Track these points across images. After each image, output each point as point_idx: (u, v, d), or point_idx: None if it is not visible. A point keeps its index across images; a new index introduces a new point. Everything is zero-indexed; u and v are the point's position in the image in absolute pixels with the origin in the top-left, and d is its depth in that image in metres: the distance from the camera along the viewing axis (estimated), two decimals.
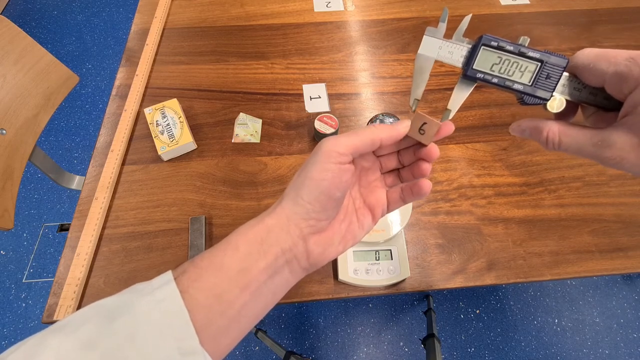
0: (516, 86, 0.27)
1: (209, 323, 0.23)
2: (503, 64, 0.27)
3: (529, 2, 0.87)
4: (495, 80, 0.27)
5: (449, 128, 0.29)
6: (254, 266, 0.25)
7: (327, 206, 0.26)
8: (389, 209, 0.31)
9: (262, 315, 0.26)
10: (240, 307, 0.24)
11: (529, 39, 0.26)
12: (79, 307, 0.47)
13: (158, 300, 0.23)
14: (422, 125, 0.28)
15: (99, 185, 0.56)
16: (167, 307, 0.23)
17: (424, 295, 1.15)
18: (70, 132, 1.51)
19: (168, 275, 0.24)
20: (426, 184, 0.29)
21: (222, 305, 0.24)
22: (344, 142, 0.26)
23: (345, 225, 0.29)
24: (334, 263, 0.50)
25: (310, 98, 0.69)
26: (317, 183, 0.25)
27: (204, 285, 0.24)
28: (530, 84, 0.26)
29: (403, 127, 0.28)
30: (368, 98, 0.69)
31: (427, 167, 0.29)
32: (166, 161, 0.60)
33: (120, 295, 0.24)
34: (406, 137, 0.29)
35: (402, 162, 0.31)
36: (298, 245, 0.26)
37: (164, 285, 0.23)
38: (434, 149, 0.29)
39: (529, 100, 0.27)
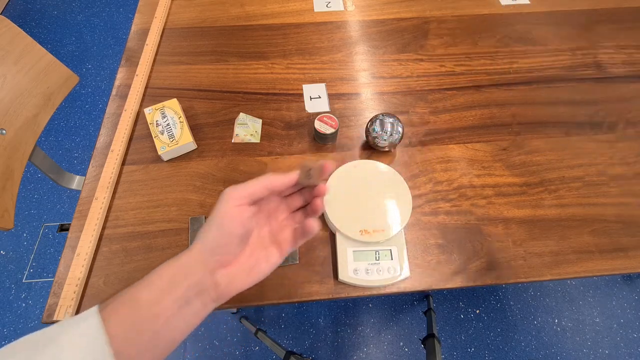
0: None
1: (125, 351, 0.26)
2: None
3: (529, 2, 0.87)
4: None
5: (329, 166, 0.34)
6: (164, 299, 0.29)
7: (230, 243, 0.31)
8: (295, 245, 0.36)
9: (175, 343, 0.30)
10: (151, 336, 0.28)
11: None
12: (79, 307, 0.47)
13: (82, 332, 0.26)
14: (309, 171, 0.34)
15: (99, 185, 0.56)
16: (89, 338, 0.26)
17: (424, 295, 1.15)
18: (70, 132, 1.51)
19: (93, 308, 0.27)
20: (311, 225, 0.34)
21: (136, 334, 0.27)
22: (241, 188, 0.32)
23: (252, 260, 0.33)
24: (334, 263, 0.50)
25: (310, 98, 0.69)
26: (219, 223, 0.31)
27: (121, 317, 0.27)
28: None
29: (292, 175, 0.34)
30: (368, 98, 0.69)
31: (319, 203, 0.35)
32: (166, 161, 0.60)
33: (48, 328, 0.27)
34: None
35: (307, 200, 0.38)
36: (206, 278, 0.30)
37: (88, 317, 0.27)
38: (322, 187, 0.35)
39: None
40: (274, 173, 0.34)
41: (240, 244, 0.32)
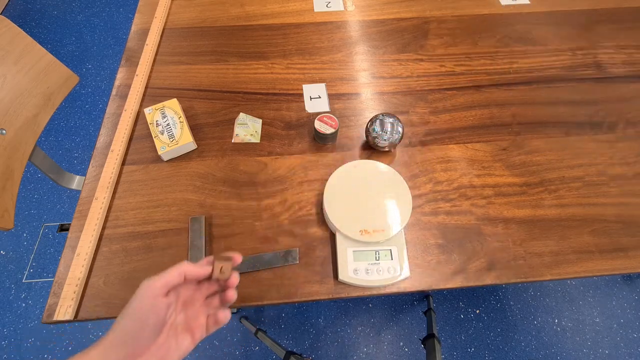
0: None
1: None
2: None
3: (529, 2, 0.88)
4: None
5: (238, 259, 0.39)
6: None
7: (142, 334, 0.32)
8: (208, 332, 0.38)
9: None
10: None
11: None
12: (79, 307, 0.47)
13: None
14: (220, 268, 0.37)
15: (99, 185, 0.56)
16: None
17: (424, 295, 1.15)
18: (70, 132, 1.51)
19: None
20: (222, 317, 0.37)
21: None
22: (158, 278, 0.33)
23: (164, 349, 0.34)
24: (334, 263, 0.50)
25: (310, 98, 0.69)
26: (134, 314, 0.32)
27: None
28: None
29: (206, 269, 0.37)
30: (368, 98, 0.69)
31: (230, 295, 0.38)
32: (166, 161, 0.60)
33: None
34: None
35: (221, 286, 0.40)
36: None
37: None
38: (232, 279, 0.38)
39: None
40: (189, 262, 0.36)
41: (153, 335, 0.33)
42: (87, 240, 0.51)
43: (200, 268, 0.36)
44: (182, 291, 0.37)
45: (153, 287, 0.33)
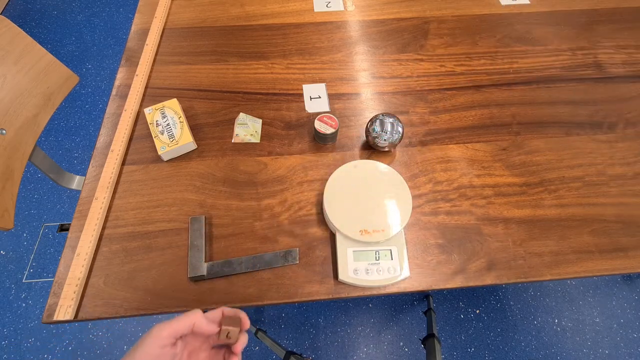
0: None
1: None
2: None
3: (529, 2, 0.88)
4: None
5: (246, 324, 0.38)
6: None
7: None
8: None
9: None
10: None
11: None
12: (79, 307, 0.47)
13: None
14: (228, 333, 0.36)
15: (99, 185, 0.56)
16: None
17: (424, 295, 1.15)
18: (70, 132, 1.51)
19: None
20: None
21: None
22: (168, 326, 0.33)
23: None
24: (334, 263, 0.50)
25: (310, 98, 0.69)
26: None
27: None
28: None
29: (214, 328, 0.36)
30: (368, 98, 0.69)
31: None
32: (166, 161, 0.60)
33: None
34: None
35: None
36: None
37: None
38: (238, 345, 0.37)
39: None
40: (201, 313, 0.36)
41: None
42: (87, 240, 0.51)
43: (209, 325, 0.36)
44: (189, 340, 0.37)
45: (161, 337, 0.32)
